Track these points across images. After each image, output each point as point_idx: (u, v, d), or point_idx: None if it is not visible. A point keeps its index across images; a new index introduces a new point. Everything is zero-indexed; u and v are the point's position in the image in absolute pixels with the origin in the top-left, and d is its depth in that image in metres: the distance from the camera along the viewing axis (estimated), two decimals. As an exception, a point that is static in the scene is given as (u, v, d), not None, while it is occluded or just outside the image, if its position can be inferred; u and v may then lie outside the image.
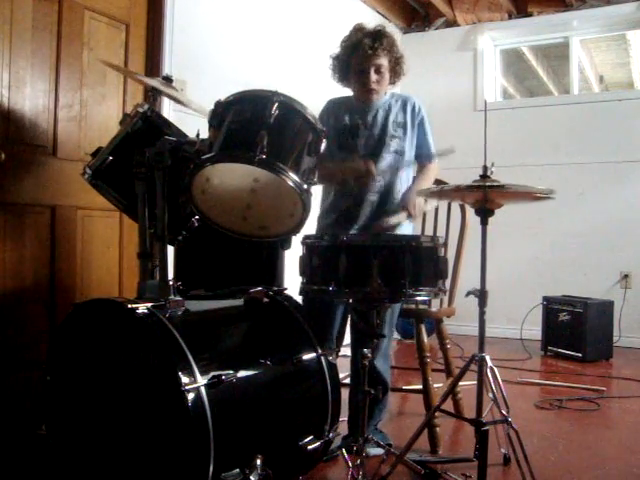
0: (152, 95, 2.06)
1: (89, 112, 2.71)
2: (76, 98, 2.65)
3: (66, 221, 2.60)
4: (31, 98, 2.47)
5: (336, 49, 2.35)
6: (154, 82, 2.04)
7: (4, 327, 2.37)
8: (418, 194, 2.24)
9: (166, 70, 2.96)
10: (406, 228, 2.34)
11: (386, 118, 2.34)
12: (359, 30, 2.29)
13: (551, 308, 4.30)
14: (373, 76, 2.27)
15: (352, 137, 2.33)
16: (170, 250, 1.97)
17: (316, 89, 2.73)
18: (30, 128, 2.47)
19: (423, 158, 2.42)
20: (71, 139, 2.63)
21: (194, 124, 1.98)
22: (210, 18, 3.35)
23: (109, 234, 2.82)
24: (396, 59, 2.30)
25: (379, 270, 1.67)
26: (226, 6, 3.46)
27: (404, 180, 2.38)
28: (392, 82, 2.36)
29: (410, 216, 2.27)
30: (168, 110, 2.96)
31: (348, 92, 2.44)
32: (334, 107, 2.41)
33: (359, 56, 2.26)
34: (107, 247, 2.82)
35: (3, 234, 2.37)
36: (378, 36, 2.25)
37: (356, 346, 2.27)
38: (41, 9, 2.48)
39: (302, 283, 1.84)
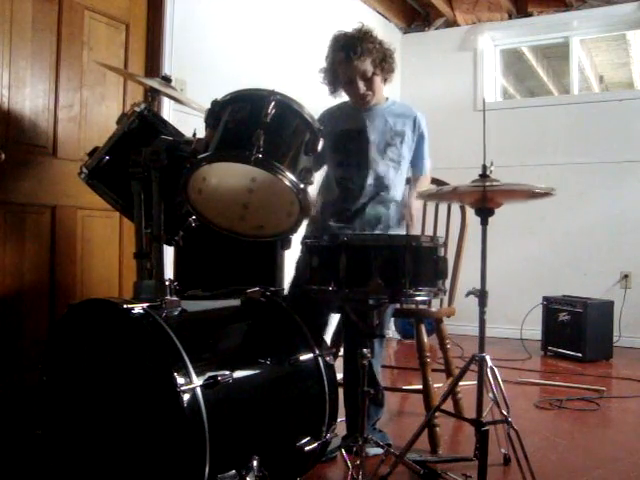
0: (151, 95, 2.06)
1: (89, 112, 2.72)
2: (76, 98, 2.65)
3: (66, 221, 2.61)
4: (31, 98, 2.47)
5: (322, 62, 2.29)
6: (153, 82, 2.04)
7: (4, 327, 2.37)
8: (418, 197, 2.22)
9: (166, 70, 2.96)
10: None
11: (384, 125, 2.29)
12: (336, 40, 2.22)
13: (551, 308, 4.29)
14: (361, 84, 2.20)
15: (349, 142, 2.28)
16: (169, 250, 1.97)
17: (315, 89, 2.73)
18: (30, 128, 2.47)
19: (416, 170, 2.40)
20: (71, 139, 2.63)
21: (194, 124, 1.98)
22: (210, 18, 3.36)
23: (109, 234, 2.83)
24: (382, 58, 2.21)
25: (379, 270, 1.66)
26: (226, 6, 3.46)
27: (399, 189, 2.33)
28: (384, 79, 2.27)
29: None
30: (168, 110, 2.97)
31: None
32: (331, 114, 2.37)
33: (342, 68, 2.20)
34: (107, 247, 2.82)
35: (3, 234, 2.37)
36: (354, 43, 2.16)
37: (350, 346, 2.26)
38: (41, 9, 2.48)
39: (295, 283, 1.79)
